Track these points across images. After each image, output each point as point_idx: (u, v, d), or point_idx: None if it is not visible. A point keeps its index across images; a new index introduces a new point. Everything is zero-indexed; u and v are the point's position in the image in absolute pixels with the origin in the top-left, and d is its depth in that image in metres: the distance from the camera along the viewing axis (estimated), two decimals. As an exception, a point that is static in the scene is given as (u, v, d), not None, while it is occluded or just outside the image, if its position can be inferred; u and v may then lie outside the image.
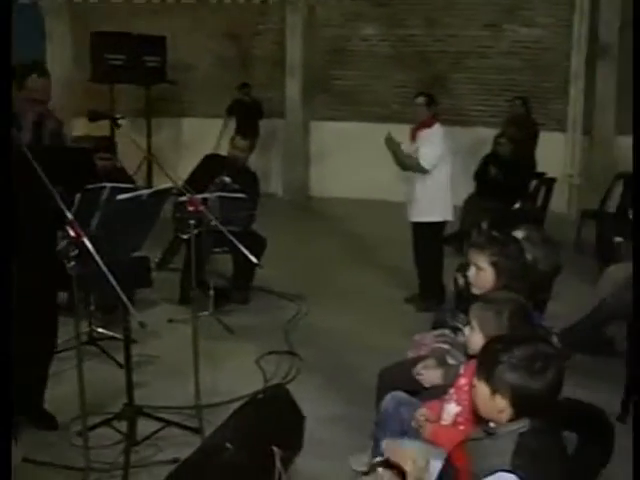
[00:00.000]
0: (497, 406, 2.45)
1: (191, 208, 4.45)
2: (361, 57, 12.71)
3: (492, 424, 2.48)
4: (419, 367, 3.79)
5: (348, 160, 12.06)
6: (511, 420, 2.44)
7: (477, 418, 2.51)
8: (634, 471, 2.67)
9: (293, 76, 12.74)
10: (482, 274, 3.89)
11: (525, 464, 2.29)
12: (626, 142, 11.66)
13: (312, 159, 13.12)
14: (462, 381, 3.27)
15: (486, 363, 2.49)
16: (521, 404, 2.42)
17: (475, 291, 3.95)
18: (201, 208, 4.48)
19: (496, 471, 2.29)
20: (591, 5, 11.59)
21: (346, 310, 6.96)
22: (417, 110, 6.94)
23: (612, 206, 9.95)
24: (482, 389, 2.47)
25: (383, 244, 9.26)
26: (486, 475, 2.31)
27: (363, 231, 10.17)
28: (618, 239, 8.64)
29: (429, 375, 3.73)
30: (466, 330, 3.25)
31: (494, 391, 2.45)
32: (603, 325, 5.87)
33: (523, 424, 2.42)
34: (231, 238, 4.47)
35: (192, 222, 4.55)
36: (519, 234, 4.45)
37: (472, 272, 3.95)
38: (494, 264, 3.88)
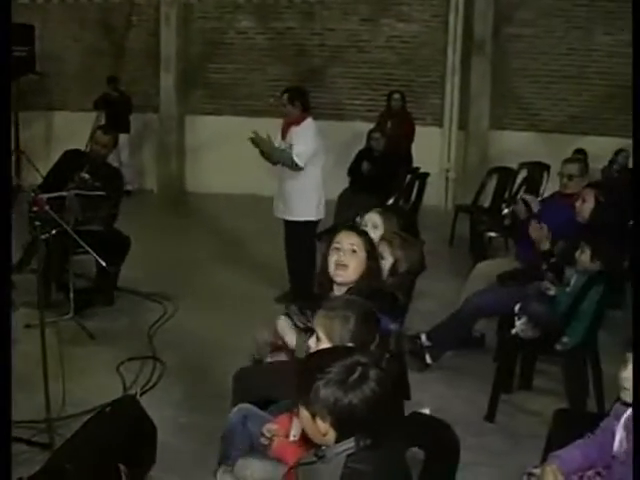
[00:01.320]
0: (319, 429, 2.22)
1: (35, 208, 4.16)
2: (238, 50, 12.49)
3: (323, 447, 2.27)
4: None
5: (224, 155, 11.83)
6: (338, 441, 2.22)
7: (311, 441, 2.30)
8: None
9: (168, 69, 12.40)
10: (356, 257, 3.80)
11: None
12: (499, 137, 11.93)
13: (187, 154, 12.82)
14: None
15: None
16: (341, 423, 2.19)
17: (339, 278, 3.82)
18: (46, 208, 4.19)
19: None
20: (466, 2, 11.68)
21: (215, 310, 6.74)
22: (284, 108, 6.78)
23: (486, 201, 10.06)
24: (303, 414, 2.27)
25: (258, 240, 9.09)
26: None
27: (238, 227, 9.96)
28: (490, 234, 8.71)
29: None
30: (311, 342, 3.03)
31: (313, 414, 2.21)
32: (470, 322, 5.83)
33: (351, 444, 2.20)
34: (78, 240, 4.21)
35: (38, 223, 4.25)
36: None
37: (345, 251, 3.80)
38: (368, 251, 3.82)
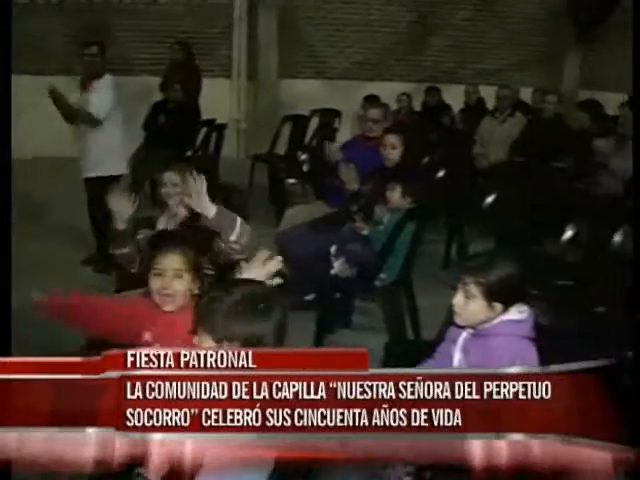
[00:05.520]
0: None
1: None
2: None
3: None
4: None
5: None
6: None
7: None
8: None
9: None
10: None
11: None
12: (289, 85, 12.06)
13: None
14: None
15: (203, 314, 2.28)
16: None
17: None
18: None
19: None
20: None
21: (21, 281, 6.42)
22: (90, 61, 6.58)
23: (281, 149, 10.19)
24: (208, 342, 2.26)
25: (51, 204, 8.71)
26: None
27: (27, 191, 9.48)
28: (290, 181, 8.84)
29: None
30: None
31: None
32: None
33: None
34: None
35: None
36: None
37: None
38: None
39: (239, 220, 3.63)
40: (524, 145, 7.91)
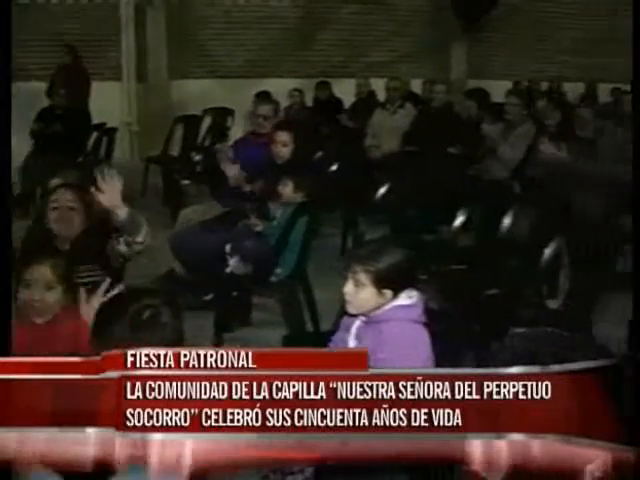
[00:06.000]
0: None
1: None
2: None
3: None
4: None
5: None
6: None
7: None
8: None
9: None
10: (76, 213, 3.84)
11: None
12: (180, 86, 11.96)
13: None
14: None
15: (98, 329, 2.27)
16: None
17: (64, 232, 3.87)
18: None
19: None
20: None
21: None
22: None
23: (174, 150, 10.10)
24: None
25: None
26: None
27: None
28: (184, 182, 8.78)
29: None
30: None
31: None
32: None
33: None
34: None
35: None
36: None
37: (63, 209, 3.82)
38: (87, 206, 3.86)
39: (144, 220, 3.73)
40: (415, 135, 8.04)
